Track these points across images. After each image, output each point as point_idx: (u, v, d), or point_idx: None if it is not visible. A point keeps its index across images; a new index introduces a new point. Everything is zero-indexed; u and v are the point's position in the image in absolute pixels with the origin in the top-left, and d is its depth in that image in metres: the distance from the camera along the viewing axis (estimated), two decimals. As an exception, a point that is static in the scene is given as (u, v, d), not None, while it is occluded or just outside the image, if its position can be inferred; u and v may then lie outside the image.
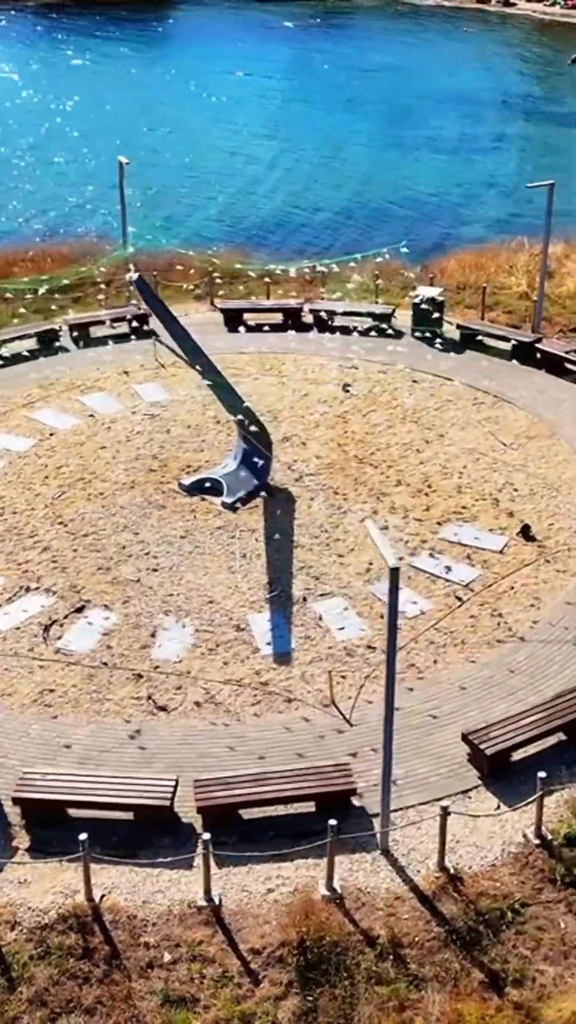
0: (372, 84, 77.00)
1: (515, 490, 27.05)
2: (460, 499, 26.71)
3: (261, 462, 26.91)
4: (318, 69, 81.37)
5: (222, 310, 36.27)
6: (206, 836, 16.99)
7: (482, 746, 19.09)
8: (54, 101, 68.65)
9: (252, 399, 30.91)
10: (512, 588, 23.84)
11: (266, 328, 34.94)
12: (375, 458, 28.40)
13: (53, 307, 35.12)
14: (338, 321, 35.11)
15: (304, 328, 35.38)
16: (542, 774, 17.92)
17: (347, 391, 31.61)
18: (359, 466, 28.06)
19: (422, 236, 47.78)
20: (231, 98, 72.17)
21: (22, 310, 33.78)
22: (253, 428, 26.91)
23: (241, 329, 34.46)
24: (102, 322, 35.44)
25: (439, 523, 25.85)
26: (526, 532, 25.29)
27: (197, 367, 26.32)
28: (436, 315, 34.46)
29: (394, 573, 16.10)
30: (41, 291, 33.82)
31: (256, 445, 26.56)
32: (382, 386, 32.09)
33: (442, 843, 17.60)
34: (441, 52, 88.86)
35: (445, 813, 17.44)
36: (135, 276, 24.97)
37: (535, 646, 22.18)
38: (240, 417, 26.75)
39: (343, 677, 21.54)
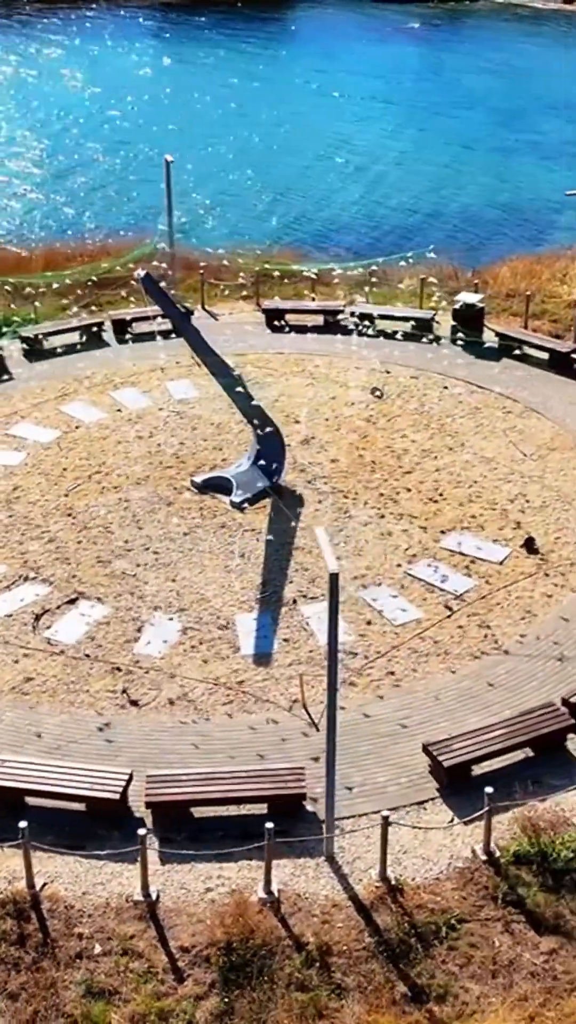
0: (491, 87, 75.73)
1: (527, 501, 26.67)
2: (469, 508, 26.42)
3: (273, 463, 26.94)
4: (435, 71, 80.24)
5: (264, 310, 36.35)
6: (142, 831, 17.08)
7: (440, 758, 18.89)
8: (178, 99, 68.82)
9: (280, 400, 31.13)
10: (502, 600, 23.49)
11: (286, 329, 34.96)
12: (391, 463, 28.23)
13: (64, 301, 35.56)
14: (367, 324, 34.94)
15: (344, 331, 35.24)
16: (489, 789, 17.65)
17: (376, 395, 31.44)
18: (373, 471, 27.92)
19: (511, 241, 47.18)
20: (351, 98, 71.57)
21: (34, 304, 34.21)
22: (268, 429, 26.98)
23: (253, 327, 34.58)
24: (145, 318, 35.70)
25: (443, 531, 25.61)
26: (530, 545, 24.92)
27: (210, 367, 26.43)
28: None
29: (333, 578, 16.01)
30: (55, 285, 34.31)
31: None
32: (411, 392, 31.86)
33: (383, 853, 17.45)
34: (561, 55, 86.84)
35: (386, 823, 17.29)
36: (142, 273, 25.15)
37: (519, 660, 21.87)
38: (254, 420, 26.87)
39: (320, 681, 21.45)
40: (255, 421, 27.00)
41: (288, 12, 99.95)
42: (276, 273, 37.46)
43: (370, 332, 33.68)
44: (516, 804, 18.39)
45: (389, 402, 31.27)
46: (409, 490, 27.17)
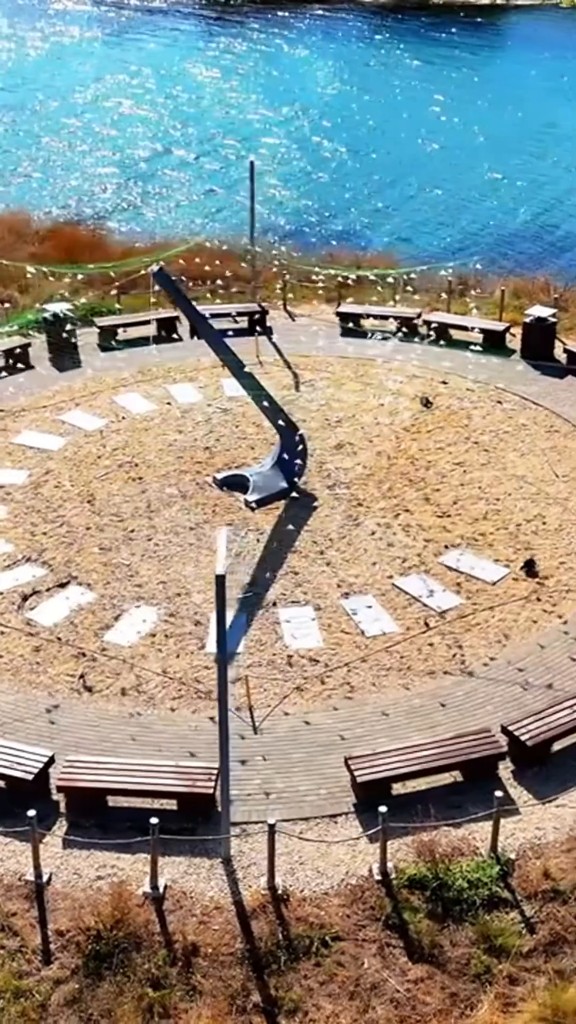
0: None
1: (543, 523, 25.92)
2: (481, 525, 25.84)
3: (292, 466, 26.96)
4: None
5: (339, 313, 36.27)
6: (31, 812, 17.37)
7: (355, 773, 18.61)
8: (398, 101, 67.50)
9: (328, 404, 31.06)
10: (483, 621, 22.96)
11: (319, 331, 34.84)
12: (418, 475, 27.84)
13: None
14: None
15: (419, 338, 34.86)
16: (383, 809, 17.32)
17: (425, 405, 31.02)
18: (398, 481, 27.57)
19: None
20: (558, 107, 69.42)
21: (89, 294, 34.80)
22: (289, 431, 27.04)
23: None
24: (224, 315, 36.07)
25: (447, 546, 25.13)
26: (530, 567, 24.23)
27: (229, 367, 26.61)
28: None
29: (220, 580, 15.99)
30: (80, 276, 35.01)
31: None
32: (462, 403, 31.29)
33: (271, 861, 17.33)
34: None
35: (272, 831, 17.16)
36: (155, 268, 25.44)
37: (481, 683, 21.33)
38: (280, 421, 27.01)
39: (276, 684, 21.40)
40: (278, 423, 27.07)
41: (504, 18, 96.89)
42: (320, 279, 37.21)
43: (396, 337, 33.34)
44: (420, 827, 17.93)
45: (436, 413, 30.81)
46: (428, 502, 26.75)
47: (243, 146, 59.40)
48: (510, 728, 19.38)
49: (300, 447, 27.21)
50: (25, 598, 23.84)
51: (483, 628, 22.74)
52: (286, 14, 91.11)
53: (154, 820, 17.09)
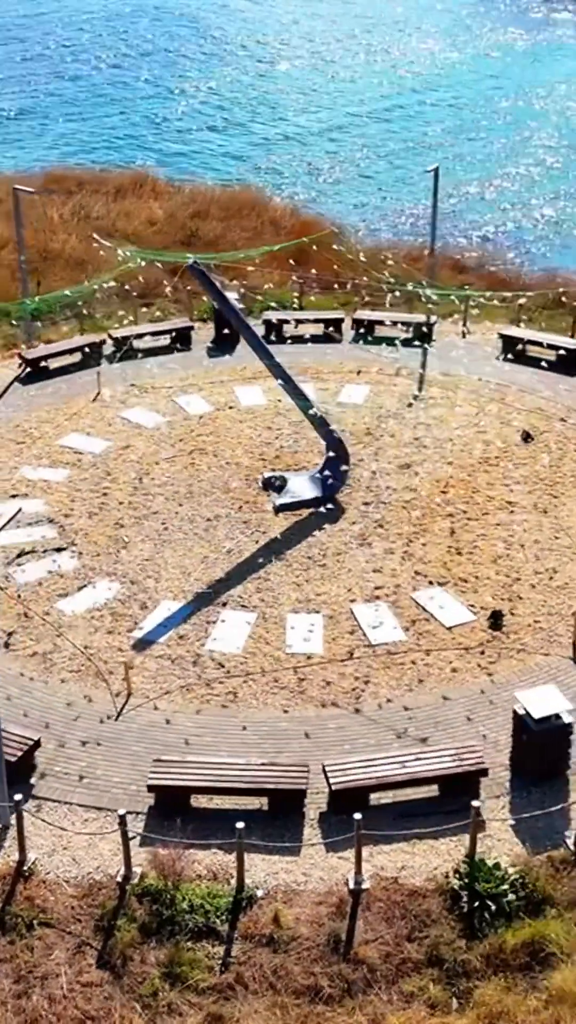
0: None
1: (550, 578, 24.24)
2: (484, 568, 24.55)
3: (329, 477, 26.79)
4: None
5: (501, 335, 35.02)
6: None
7: (151, 776, 18.67)
8: None
9: (426, 424, 30.42)
10: (408, 662, 21.99)
11: (481, 351, 33.37)
12: (460, 507, 26.74)
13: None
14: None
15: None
16: (122, 811, 17.36)
17: (526, 440, 29.56)
18: (436, 510, 26.62)
19: None
20: None
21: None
22: (332, 439, 26.92)
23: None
24: (406, 323, 35.90)
25: (432, 583, 24.12)
26: (495, 619, 22.85)
27: (270, 370, 26.76)
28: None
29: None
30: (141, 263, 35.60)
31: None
32: (565, 443, 29.49)
33: (20, 839, 17.81)
34: None
35: (19, 807, 17.64)
36: (191, 261, 25.86)
37: (359, 720, 20.55)
38: (331, 427, 27.00)
39: (176, 678, 21.67)
40: (330, 432, 27.02)
41: None
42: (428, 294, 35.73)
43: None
44: (176, 842, 17.73)
45: (531, 448, 29.28)
46: (450, 536, 25.69)
47: None
48: (326, 768, 18.65)
49: (331, 459, 26.85)
50: (20, 554, 25.26)
51: (403, 669, 21.78)
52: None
53: None
